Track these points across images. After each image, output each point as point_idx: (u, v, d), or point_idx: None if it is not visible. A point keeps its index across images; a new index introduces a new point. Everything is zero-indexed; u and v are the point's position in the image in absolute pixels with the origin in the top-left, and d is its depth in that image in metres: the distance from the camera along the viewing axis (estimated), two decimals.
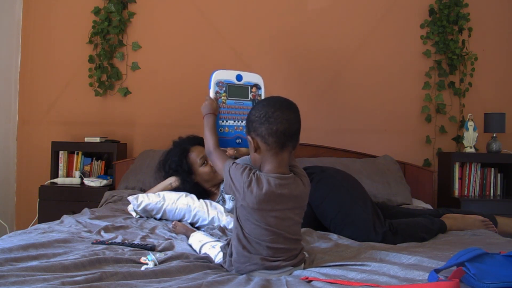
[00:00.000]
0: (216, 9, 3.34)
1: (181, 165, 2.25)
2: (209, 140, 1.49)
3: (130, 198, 2.19)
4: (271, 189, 1.29)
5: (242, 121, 1.61)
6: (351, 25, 3.30)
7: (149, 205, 2.13)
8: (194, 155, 2.26)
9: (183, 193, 2.16)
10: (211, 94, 1.57)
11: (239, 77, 1.61)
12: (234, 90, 1.61)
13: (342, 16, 3.30)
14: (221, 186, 2.28)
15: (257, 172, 1.34)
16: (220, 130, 1.59)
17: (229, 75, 1.59)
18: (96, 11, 3.31)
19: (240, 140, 1.62)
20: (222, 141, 1.57)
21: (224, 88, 1.57)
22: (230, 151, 1.77)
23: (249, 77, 1.65)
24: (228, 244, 1.41)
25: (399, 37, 3.28)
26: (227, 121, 1.60)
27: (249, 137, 1.37)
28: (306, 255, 1.45)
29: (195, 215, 2.07)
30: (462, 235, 1.91)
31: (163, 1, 3.35)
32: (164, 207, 2.12)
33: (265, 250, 1.31)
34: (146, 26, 3.35)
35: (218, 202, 2.22)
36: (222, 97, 1.57)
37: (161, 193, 2.18)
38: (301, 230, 1.42)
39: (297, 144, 1.38)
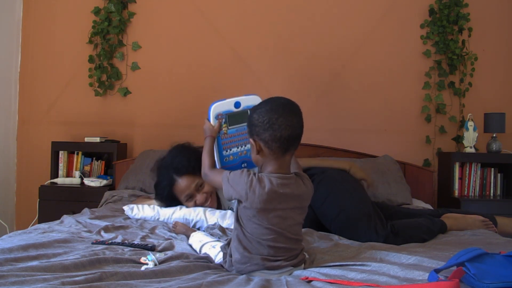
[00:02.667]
0: (216, 9, 3.34)
1: (167, 197, 2.14)
2: (205, 162, 1.49)
3: (125, 208, 2.18)
4: (274, 188, 1.30)
5: (245, 145, 1.60)
6: (351, 25, 3.30)
7: (145, 218, 2.13)
8: (179, 191, 2.10)
9: (178, 207, 2.10)
10: None
11: (237, 104, 1.59)
12: (234, 118, 1.60)
13: (342, 16, 3.30)
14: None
15: (258, 173, 1.34)
16: (225, 159, 1.59)
17: (227, 105, 1.58)
18: (96, 11, 3.31)
19: (245, 164, 1.61)
20: (228, 169, 1.55)
21: (224, 120, 1.56)
22: None
23: (247, 101, 1.61)
24: (228, 244, 1.42)
25: (399, 37, 3.28)
26: (230, 150, 1.60)
27: (251, 140, 1.37)
28: (307, 256, 1.46)
29: (194, 225, 2.04)
30: (462, 235, 1.91)
31: (163, 1, 3.35)
32: (159, 221, 2.10)
33: (266, 250, 1.31)
34: (146, 26, 3.35)
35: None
36: (223, 129, 1.56)
37: (156, 207, 2.15)
38: (302, 231, 1.42)
39: (299, 145, 1.39)
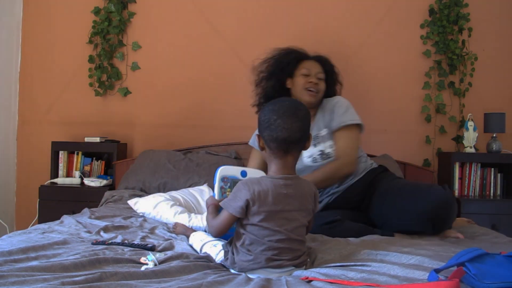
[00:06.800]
0: (216, 9, 3.33)
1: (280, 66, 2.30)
2: (210, 221, 1.41)
3: (129, 202, 2.28)
4: (277, 190, 1.31)
5: None
6: (351, 25, 3.30)
7: (144, 213, 2.21)
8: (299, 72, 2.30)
9: (178, 211, 2.12)
10: (216, 189, 1.56)
11: (243, 173, 1.59)
12: None
13: (342, 17, 3.30)
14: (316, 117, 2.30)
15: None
16: None
17: (233, 171, 1.58)
18: (96, 11, 3.31)
19: None
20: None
21: (229, 184, 1.56)
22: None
23: (253, 173, 1.60)
24: (230, 242, 1.41)
25: (399, 37, 3.28)
26: None
27: (257, 136, 1.40)
28: (308, 260, 1.46)
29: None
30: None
31: (163, 1, 3.35)
32: (158, 219, 2.15)
33: (271, 251, 1.31)
34: (146, 26, 3.35)
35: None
36: (227, 192, 1.55)
37: (159, 207, 2.17)
38: (305, 233, 1.42)
39: (304, 147, 1.38)
